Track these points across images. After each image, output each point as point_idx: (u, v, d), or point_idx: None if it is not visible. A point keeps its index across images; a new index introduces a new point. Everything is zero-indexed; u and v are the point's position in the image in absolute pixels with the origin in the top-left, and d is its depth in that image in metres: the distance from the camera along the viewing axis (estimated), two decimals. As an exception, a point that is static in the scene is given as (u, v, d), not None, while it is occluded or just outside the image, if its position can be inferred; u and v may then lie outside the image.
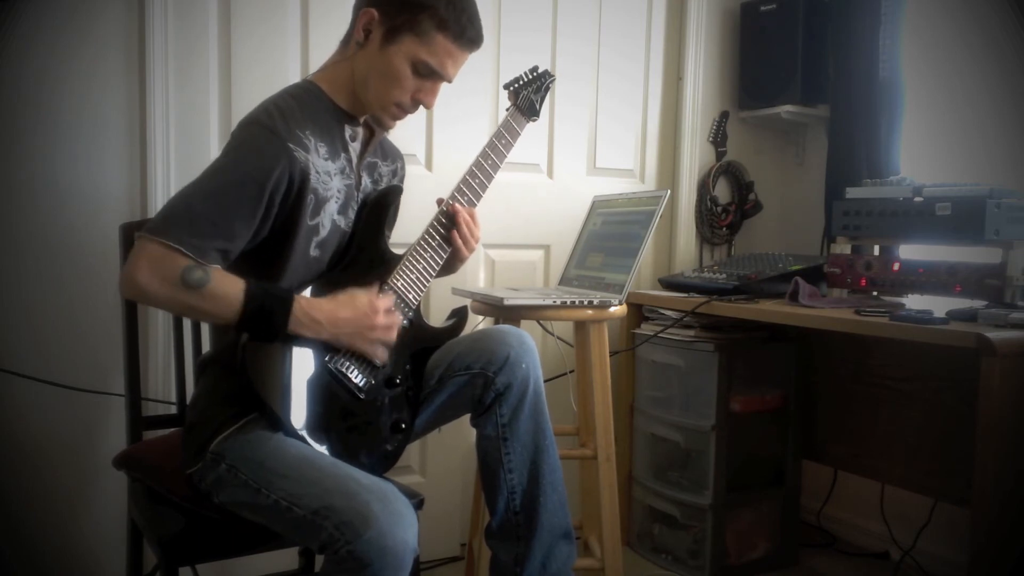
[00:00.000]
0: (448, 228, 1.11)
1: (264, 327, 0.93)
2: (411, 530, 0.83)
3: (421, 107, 1.07)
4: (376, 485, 0.86)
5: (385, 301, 1.01)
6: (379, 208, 1.09)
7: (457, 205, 1.11)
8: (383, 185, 1.15)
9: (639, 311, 1.90)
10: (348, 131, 1.07)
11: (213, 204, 0.90)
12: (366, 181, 1.12)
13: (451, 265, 1.17)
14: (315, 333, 0.95)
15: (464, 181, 1.15)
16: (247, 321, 0.91)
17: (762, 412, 1.82)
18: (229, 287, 0.91)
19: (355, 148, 1.09)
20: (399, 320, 1.03)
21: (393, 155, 1.21)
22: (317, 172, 0.98)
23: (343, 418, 0.99)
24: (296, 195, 0.96)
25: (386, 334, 1.01)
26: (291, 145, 0.95)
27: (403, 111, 1.05)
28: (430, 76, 1.03)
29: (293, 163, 0.94)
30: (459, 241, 1.11)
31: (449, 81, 1.06)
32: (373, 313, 0.98)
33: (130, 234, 1.21)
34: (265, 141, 0.93)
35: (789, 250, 1.96)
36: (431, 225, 1.11)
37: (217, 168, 0.94)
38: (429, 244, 1.10)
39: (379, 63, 1.01)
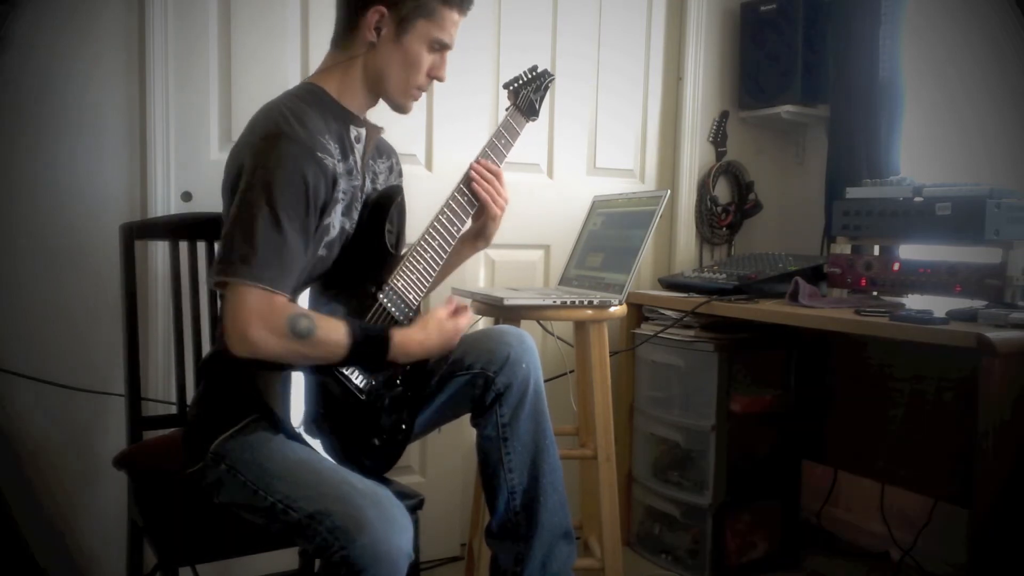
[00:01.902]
0: (470, 198, 1.15)
1: (366, 364, 0.99)
2: (405, 535, 0.82)
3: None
4: (371, 490, 0.85)
5: (463, 313, 1.09)
6: (380, 208, 1.09)
7: (473, 163, 1.17)
8: (380, 182, 1.15)
9: (639, 311, 1.90)
10: (353, 132, 1.07)
11: (281, 233, 0.90)
12: (367, 181, 1.11)
13: (485, 230, 1.21)
14: (408, 360, 1.03)
15: (464, 181, 1.15)
16: (350, 362, 0.97)
17: (762, 412, 1.81)
18: (333, 333, 0.93)
19: (359, 149, 1.09)
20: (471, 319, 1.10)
21: (388, 151, 1.21)
22: (337, 176, 1.00)
23: (343, 418, 0.99)
24: (325, 200, 0.99)
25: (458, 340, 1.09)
26: (319, 154, 0.96)
27: (421, 91, 1.10)
28: (441, 50, 1.08)
29: (326, 172, 0.97)
30: (485, 196, 1.16)
31: (452, 48, 1.10)
32: (456, 334, 1.06)
33: (130, 234, 1.21)
34: (301, 157, 0.93)
35: (789, 250, 1.96)
36: (436, 220, 1.11)
37: (267, 193, 0.90)
38: (430, 244, 1.09)
39: (398, 54, 1.04)
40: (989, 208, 1.39)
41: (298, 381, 0.96)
